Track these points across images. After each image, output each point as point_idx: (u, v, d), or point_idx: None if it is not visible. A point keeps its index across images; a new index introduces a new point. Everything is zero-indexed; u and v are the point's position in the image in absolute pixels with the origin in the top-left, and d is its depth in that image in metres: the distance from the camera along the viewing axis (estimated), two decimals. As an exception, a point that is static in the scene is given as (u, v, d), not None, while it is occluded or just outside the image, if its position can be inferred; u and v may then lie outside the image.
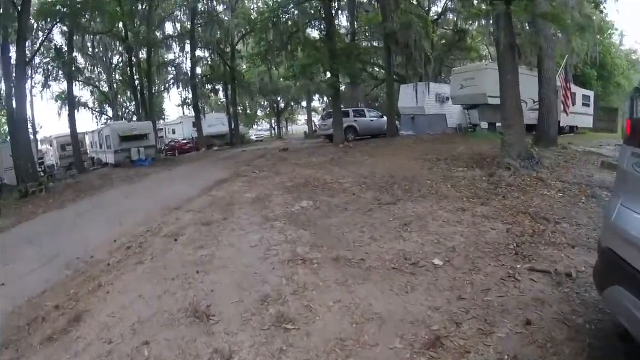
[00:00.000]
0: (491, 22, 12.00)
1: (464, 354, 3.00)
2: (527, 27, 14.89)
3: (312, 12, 23.75)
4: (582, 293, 4.04)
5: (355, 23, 26.82)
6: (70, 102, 29.68)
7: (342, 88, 30.80)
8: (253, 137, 49.31)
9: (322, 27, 23.50)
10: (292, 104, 56.69)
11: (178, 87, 38.86)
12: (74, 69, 28.70)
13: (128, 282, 5.29)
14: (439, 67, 32.60)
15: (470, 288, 4.21)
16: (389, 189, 9.25)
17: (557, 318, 3.61)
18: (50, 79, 33.36)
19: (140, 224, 8.52)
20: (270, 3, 23.80)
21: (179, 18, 37.20)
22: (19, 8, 19.68)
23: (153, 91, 36.11)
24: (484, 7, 10.99)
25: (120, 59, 38.48)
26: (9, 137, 22.53)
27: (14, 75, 20.75)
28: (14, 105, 19.84)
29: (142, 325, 3.98)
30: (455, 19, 31.69)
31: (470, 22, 30.89)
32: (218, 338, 3.57)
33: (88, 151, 33.76)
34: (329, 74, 22.92)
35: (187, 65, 37.26)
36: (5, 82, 23.06)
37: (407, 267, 4.78)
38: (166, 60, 38.82)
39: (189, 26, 35.47)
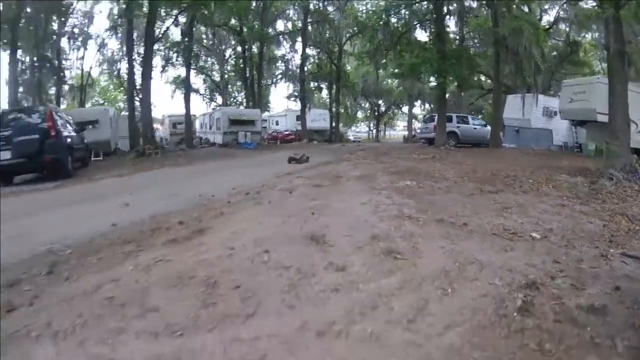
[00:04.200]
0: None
1: (557, 298, 3.20)
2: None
3: (422, 13, 23.96)
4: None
5: (464, 29, 26.77)
6: (187, 86, 31.96)
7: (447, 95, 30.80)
8: (351, 137, 50.18)
9: (432, 29, 23.63)
10: (393, 107, 56.98)
11: (285, 81, 40.59)
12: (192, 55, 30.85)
13: (248, 215, 5.98)
14: (549, 80, 31.51)
15: (565, 257, 4.41)
16: (490, 182, 9.45)
17: (644, 289, 3.77)
18: (168, 63, 36.04)
19: (255, 181, 9.48)
20: (382, 2, 24.21)
21: (290, 16, 38.75)
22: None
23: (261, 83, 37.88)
24: (594, 10, 10.87)
25: (233, 51, 40.68)
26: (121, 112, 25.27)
27: (139, 55, 23.14)
28: (140, 81, 22.08)
29: (261, 240, 4.48)
30: (567, 29, 30.71)
31: (583, 34, 30.07)
32: (333, 255, 4.01)
33: (196, 131, 36.14)
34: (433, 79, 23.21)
35: (295, 61, 38.91)
36: (128, 62, 25.63)
37: (506, 235, 5.08)
38: (276, 55, 40.57)
39: (299, 24, 36.97)
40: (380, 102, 54.61)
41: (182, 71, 35.62)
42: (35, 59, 30.89)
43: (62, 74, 34.07)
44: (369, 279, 3.44)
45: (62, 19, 32.52)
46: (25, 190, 11.33)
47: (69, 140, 14.47)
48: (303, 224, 5.18)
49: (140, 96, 23.85)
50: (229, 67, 42.58)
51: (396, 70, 25.08)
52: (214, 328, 2.74)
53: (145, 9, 25.74)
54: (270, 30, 37.15)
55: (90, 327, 2.87)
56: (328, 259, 3.93)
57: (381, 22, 22.65)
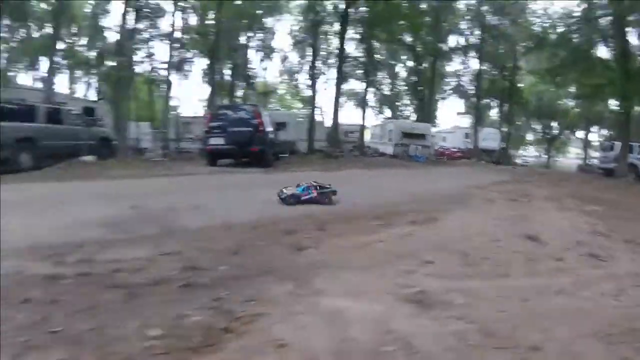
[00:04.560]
0: None
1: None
2: None
3: (604, 28, 23.19)
4: None
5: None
6: (364, 101, 35.57)
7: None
8: (518, 161, 48.95)
9: (614, 46, 22.66)
10: (567, 131, 54.39)
11: (458, 97, 41.30)
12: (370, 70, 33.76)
13: (462, 214, 7.36)
14: None
15: None
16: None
17: None
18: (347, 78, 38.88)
19: (446, 190, 10.87)
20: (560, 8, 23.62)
21: (463, 31, 39.44)
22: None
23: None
24: None
25: (403, 66, 42.57)
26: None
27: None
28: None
29: (485, 233, 5.78)
30: None
31: None
32: (549, 250, 5.18)
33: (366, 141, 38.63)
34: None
35: (467, 77, 39.50)
36: (311, 75, 29.29)
37: (686, 258, 5.84)
38: (447, 70, 41.50)
39: (472, 39, 37.52)
40: (553, 124, 52.59)
41: (353, 84, 38.63)
42: (228, 66, 36.18)
43: (250, 80, 38.90)
44: (580, 268, 4.59)
45: (250, 35, 38.43)
46: (231, 171, 14.67)
47: (270, 136, 17.29)
48: (514, 226, 6.43)
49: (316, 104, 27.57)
50: (399, 81, 44.47)
51: (577, 91, 24.27)
52: (482, 278, 4.05)
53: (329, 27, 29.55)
54: (443, 45, 38.10)
55: (383, 267, 4.06)
56: (546, 252, 5.15)
57: (563, 38, 22.36)
